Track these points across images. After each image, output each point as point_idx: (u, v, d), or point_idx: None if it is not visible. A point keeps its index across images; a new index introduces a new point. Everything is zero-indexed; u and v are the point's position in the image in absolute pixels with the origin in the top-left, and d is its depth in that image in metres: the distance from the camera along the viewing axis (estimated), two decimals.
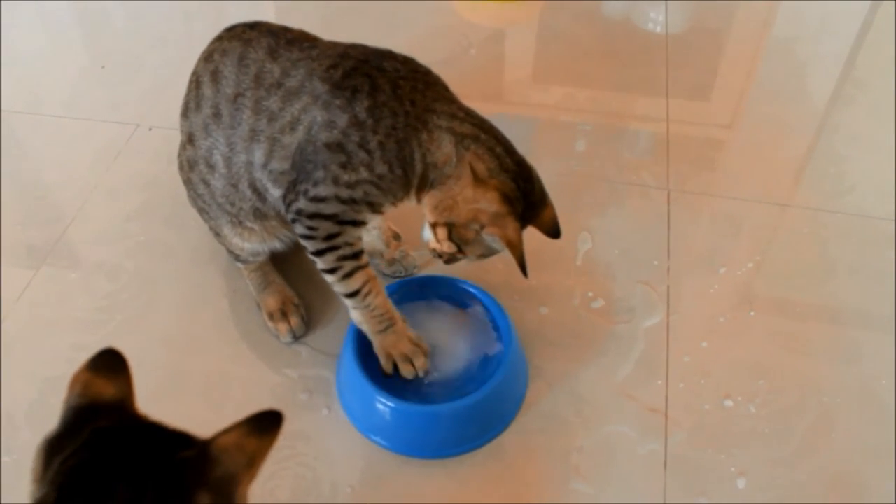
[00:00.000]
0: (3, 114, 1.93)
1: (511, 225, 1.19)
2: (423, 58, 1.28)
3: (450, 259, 1.29)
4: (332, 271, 1.27)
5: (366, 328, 1.32)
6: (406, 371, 1.32)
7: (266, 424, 0.78)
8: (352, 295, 1.28)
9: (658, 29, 2.21)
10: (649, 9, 2.27)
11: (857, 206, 1.68)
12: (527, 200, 1.22)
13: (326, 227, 1.22)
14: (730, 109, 1.99)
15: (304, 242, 1.26)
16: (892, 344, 1.44)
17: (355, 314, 1.32)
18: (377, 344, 1.33)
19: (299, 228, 1.24)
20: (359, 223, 1.24)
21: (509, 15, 2.30)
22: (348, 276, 1.26)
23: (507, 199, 1.19)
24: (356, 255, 1.26)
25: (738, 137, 1.90)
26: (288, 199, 1.24)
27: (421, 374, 1.33)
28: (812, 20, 2.25)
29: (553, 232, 1.30)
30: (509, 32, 2.27)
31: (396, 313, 1.33)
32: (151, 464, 0.75)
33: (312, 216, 1.22)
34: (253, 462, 0.77)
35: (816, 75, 2.06)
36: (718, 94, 2.03)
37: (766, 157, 1.81)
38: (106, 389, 0.81)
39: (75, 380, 0.82)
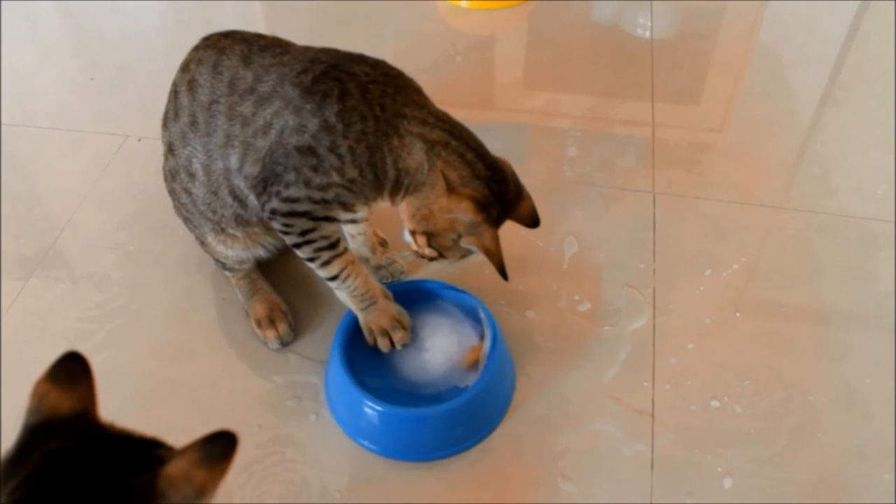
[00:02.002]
0: None
1: (487, 233, 1.21)
2: (411, 65, 1.30)
3: (433, 258, 1.32)
4: (311, 260, 1.31)
5: (350, 306, 1.37)
6: (383, 345, 1.36)
7: (218, 451, 0.74)
8: (331, 279, 1.33)
9: (646, 34, 2.22)
10: (637, 14, 2.28)
11: (841, 207, 1.69)
12: (501, 201, 1.23)
13: (301, 223, 1.25)
14: (717, 113, 2.00)
15: (282, 236, 1.30)
16: (877, 343, 1.45)
17: (339, 294, 1.36)
18: (361, 320, 1.37)
19: (276, 225, 1.27)
20: (332, 219, 1.27)
21: (498, 22, 2.31)
22: (326, 263, 1.30)
23: (481, 207, 1.20)
24: (332, 246, 1.30)
25: (726, 140, 1.91)
26: (262, 200, 1.26)
27: (399, 346, 1.36)
28: (798, 24, 2.27)
29: (532, 223, 1.32)
30: (498, 39, 2.28)
31: (378, 290, 1.37)
32: (99, 495, 0.73)
33: (287, 215, 1.24)
34: (202, 494, 0.73)
35: (803, 78, 2.07)
36: (706, 98, 2.04)
37: (752, 159, 1.82)
38: (63, 402, 0.79)
39: (34, 392, 0.79)
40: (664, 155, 1.82)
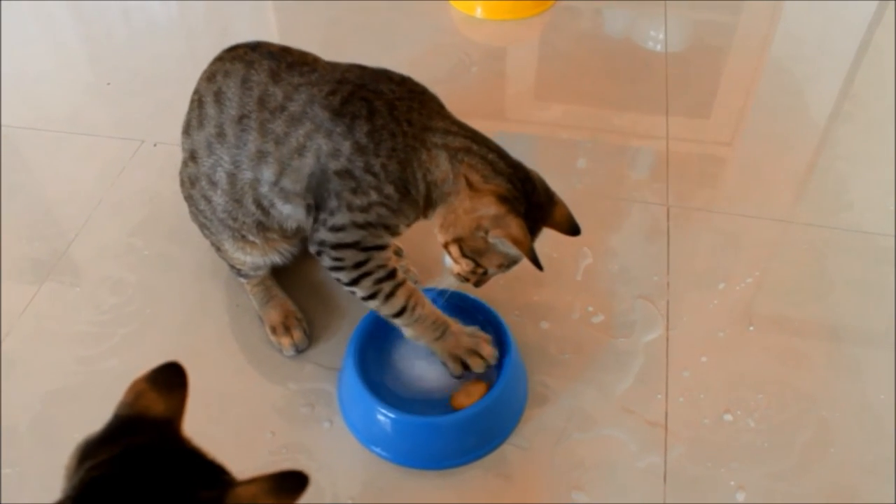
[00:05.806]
0: (8, 130, 1.95)
1: (513, 223, 1.18)
2: (425, 76, 1.30)
3: (479, 280, 1.30)
4: (373, 296, 1.28)
5: (424, 341, 1.33)
6: (476, 364, 1.32)
7: (289, 486, 0.76)
8: (399, 314, 1.29)
9: (658, 47, 2.23)
10: (649, 27, 2.29)
11: (855, 223, 1.69)
12: (529, 200, 1.22)
13: (352, 255, 1.24)
14: (730, 127, 2.00)
15: (335, 275, 1.28)
16: (890, 359, 1.45)
17: (409, 331, 1.32)
18: (440, 350, 1.33)
19: (326, 261, 1.26)
20: (381, 247, 1.25)
21: (511, 33, 2.33)
22: (390, 296, 1.28)
23: (503, 199, 1.19)
24: (391, 275, 1.27)
25: (738, 154, 1.92)
26: (312, 228, 1.25)
27: (492, 361, 1.33)
28: (811, 39, 2.28)
29: (571, 229, 1.30)
30: (511, 50, 2.29)
31: (444, 315, 1.33)
32: (169, 496, 0.75)
33: (336, 247, 1.24)
34: None
35: (815, 93, 2.08)
36: (718, 112, 2.05)
37: (765, 173, 1.83)
38: (156, 405, 0.82)
39: (132, 387, 0.83)
40: (677, 168, 1.83)
